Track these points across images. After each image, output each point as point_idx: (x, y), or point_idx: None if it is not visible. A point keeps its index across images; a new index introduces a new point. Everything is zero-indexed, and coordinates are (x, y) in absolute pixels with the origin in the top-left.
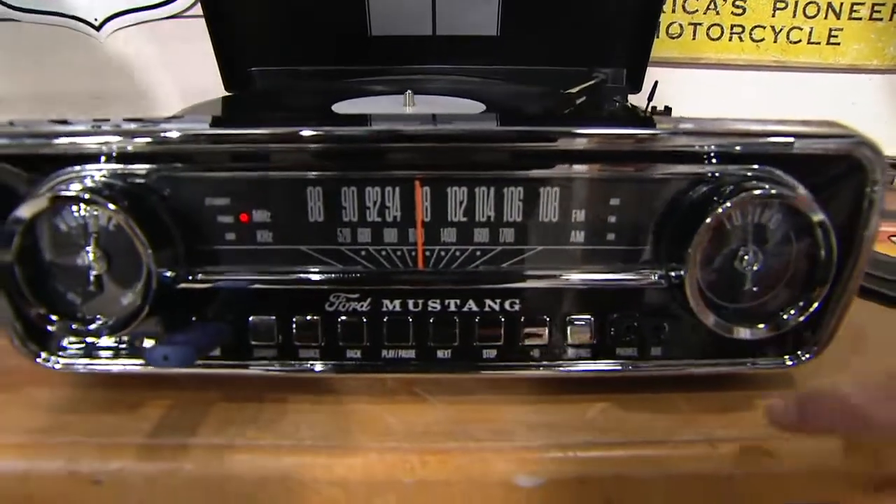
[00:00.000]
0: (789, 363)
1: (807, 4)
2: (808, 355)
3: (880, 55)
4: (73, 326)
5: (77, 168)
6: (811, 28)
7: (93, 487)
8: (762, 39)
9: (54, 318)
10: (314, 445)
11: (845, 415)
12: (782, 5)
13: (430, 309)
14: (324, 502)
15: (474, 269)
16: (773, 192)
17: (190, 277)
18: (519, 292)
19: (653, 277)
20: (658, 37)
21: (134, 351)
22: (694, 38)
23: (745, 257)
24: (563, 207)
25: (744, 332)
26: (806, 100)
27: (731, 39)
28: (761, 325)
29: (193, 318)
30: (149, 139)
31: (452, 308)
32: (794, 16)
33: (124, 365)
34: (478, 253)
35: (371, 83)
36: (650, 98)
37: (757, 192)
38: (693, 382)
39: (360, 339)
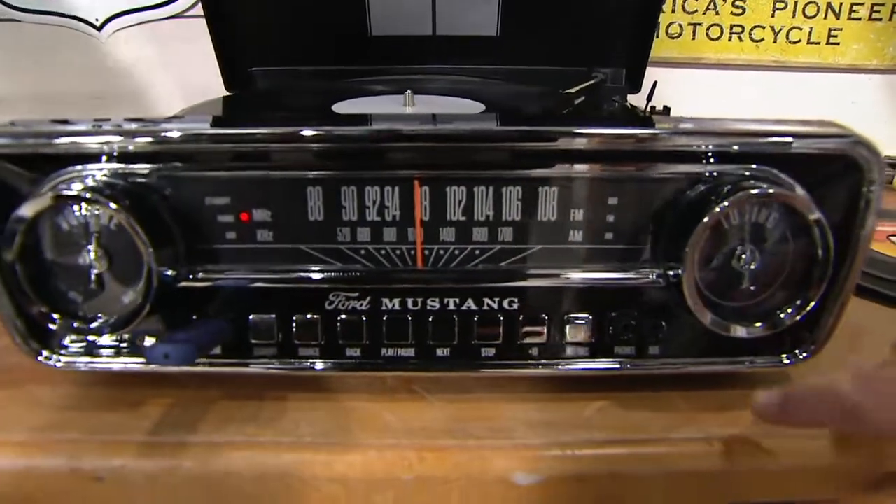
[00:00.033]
0: (787, 362)
1: (806, 4)
2: (805, 354)
3: (880, 55)
4: (75, 325)
5: (78, 167)
6: (811, 28)
7: (94, 484)
8: (762, 39)
9: (56, 316)
10: (314, 443)
11: (831, 408)
12: (782, 5)
13: (429, 307)
14: (323, 499)
15: (473, 267)
16: (770, 191)
17: (190, 276)
18: (518, 291)
19: (651, 276)
20: (658, 37)
21: (135, 349)
22: (693, 38)
23: (743, 256)
24: (562, 207)
25: (741, 331)
26: (805, 100)
27: (730, 39)
28: (758, 324)
29: (194, 317)
30: (150, 139)
31: (451, 307)
32: (794, 16)
33: (125, 363)
34: (477, 252)
35: (371, 83)
36: (649, 98)
37: (754, 191)
38: (691, 381)
39: (359, 338)
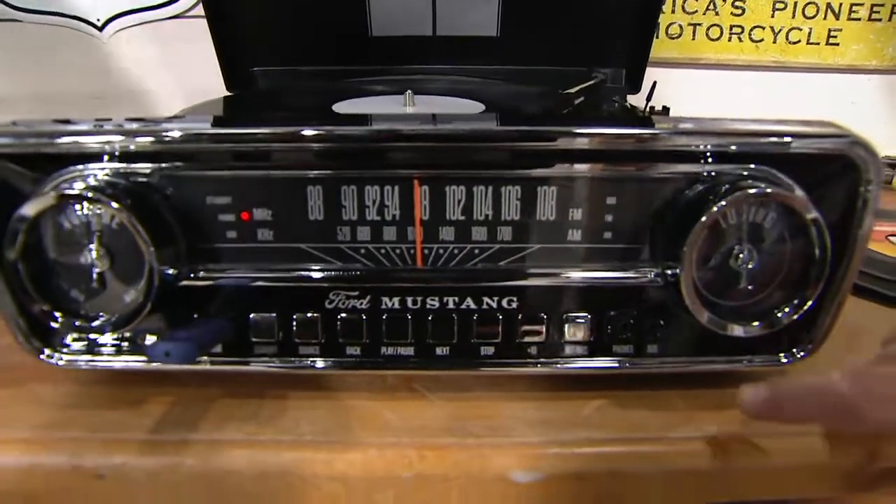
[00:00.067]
0: (784, 361)
1: (806, 5)
2: (803, 353)
3: (879, 55)
4: (77, 323)
5: (80, 167)
6: (810, 29)
7: (96, 482)
8: (761, 40)
9: (58, 315)
10: (314, 441)
11: (824, 405)
12: (781, 6)
13: (428, 306)
14: (324, 497)
15: (472, 266)
16: (768, 191)
17: (192, 275)
18: (517, 290)
19: (649, 276)
20: (657, 37)
21: (136, 348)
22: (693, 39)
23: (741, 256)
24: (561, 206)
25: (738, 330)
26: (805, 100)
27: (730, 40)
28: (756, 323)
29: (195, 316)
30: (151, 139)
31: (451, 305)
32: (794, 16)
33: (126, 361)
34: (476, 251)
35: (371, 83)
36: (648, 98)
37: (752, 191)
38: (689, 380)
39: (359, 336)
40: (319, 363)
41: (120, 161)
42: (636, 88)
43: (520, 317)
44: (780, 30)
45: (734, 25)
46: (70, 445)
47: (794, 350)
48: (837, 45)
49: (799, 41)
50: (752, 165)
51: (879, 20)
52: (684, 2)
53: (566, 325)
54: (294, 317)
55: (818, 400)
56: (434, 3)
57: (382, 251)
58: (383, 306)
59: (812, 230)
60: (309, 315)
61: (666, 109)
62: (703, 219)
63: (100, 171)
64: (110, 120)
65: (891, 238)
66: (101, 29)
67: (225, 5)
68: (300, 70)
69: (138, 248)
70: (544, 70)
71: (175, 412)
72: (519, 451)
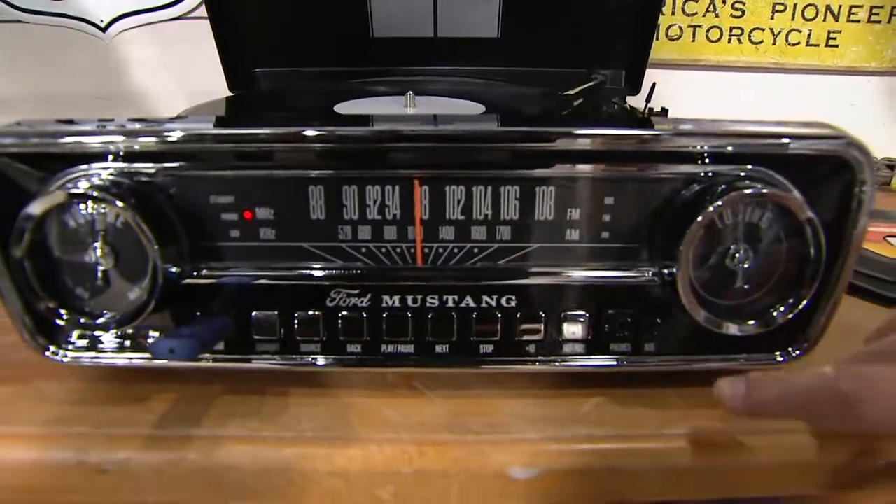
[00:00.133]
0: (780, 360)
1: (805, 7)
2: (798, 352)
3: (878, 57)
4: (82, 321)
5: (84, 167)
6: (810, 30)
7: (100, 476)
8: (761, 41)
9: (63, 312)
10: (315, 437)
11: (813, 402)
12: (781, 8)
13: (428, 305)
14: (324, 492)
15: (472, 265)
16: (764, 191)
17: (195, 273)
18: (515, 289)
19: (647, 275)
20: (657, 39)
21: (140, 345)
22: (693, 40)
23: (737, 255)
24: (559, 206)
25: (734, 329)
26: (804, 101)
27: (730, 41)
28: (751, 322)
29: (198, 313)
30: (154, 139)
31: (450, 304)
32: (793, 18)
33: (130, 358)
34: (475, 250)
35: (373, 84)
36: (648, 99)
37: (747, 191)
38: (686, 378)
39: (360, 334)
40: (320, 360)
41: (124, 161)
42: (636, 90)
43: (518, 315)
44: (780, 31)
45: (734, 27)
46: (75, 441)
47: (790, 349)
48: (837, 46)
49: (798, 43)
50: (749, 166)
51: (879, 22)
52: (684, 3)
53: (564, 324)
54: (295, 315)
55: (810, 397)
56: (435, 4)
57: (383, 250)
58: (384, 304)
59: (807, 230)
60: (310, 313)
61: (664, 111)
62: (700, 218)
63: (104, 171)
64: (113, 120)
65: (888, 239)
66: (104, 30)
67: (227, 7)
68: (302, 71)
69: (142, 246)
70: (544, 71)
71: (178, 408)
72: (518, 448)
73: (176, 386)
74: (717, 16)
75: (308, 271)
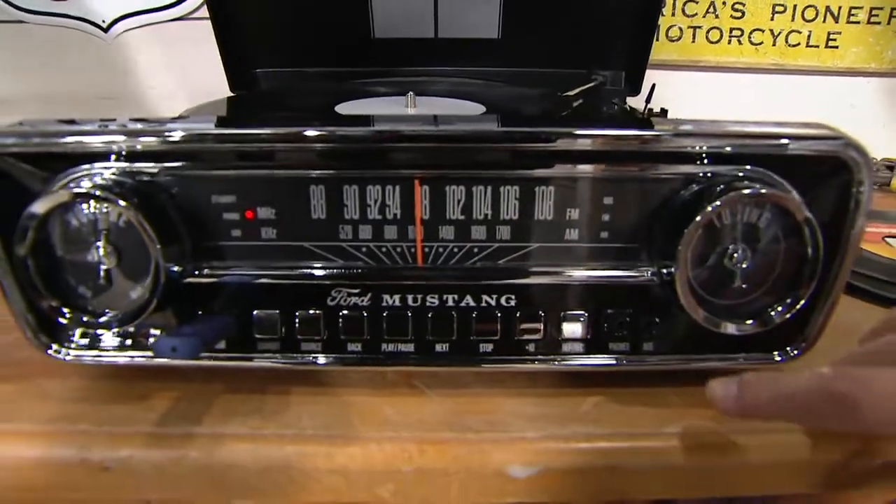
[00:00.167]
0: (778, 359)
1: (805, 8)
2: (796, 351)
3: (878, 58)
4: (84, 319)
5: (87, 166)
6: (810, 31)
7: (103, 474)
8: (761, 43)
9: (66, 310)
10: (316, 435)
11: (789, 402)
12: (781, 9)
13: (428, 304)
14: (325, 490)
15: (472, 265)
16: (762, 191)
17: (196, 272)
18: (515, 288)
19: (645, 274)
20: (657, 40)
21: (142, 343)
22: (693, 42)
23: (735, 255)
24: (559, 206)
25: (732, 328)
26: (804, 102)
27: (730, 43)
28: (749, 322)
29: (200, 312)
30: (155, 139)
31: (450, 303)
32: (793, 19)
33: (132, 357)
34: (475, 250)
35: (374, 84)
36: (647, 100)
37: (746, 191)
38: (684, 377)
39: (360, 333)
40: (321, 359)
41: (126, 160)
42: (636, 91)
43: (518, 314)
44: (780, 33)
45: (734, 28)
46: (77, 439)
47: (788, 348)
48: (837, 48)
49: (798, 44)
50: (748, 166)
51: (878, 23)
52: (684, 4)
53: (564, 323)
54: (296, 314)
55: (804, 398)
56: (436, 5)
57: (383, 249)
58: (384, 304)
59: (805, 230)
60: (311, 312)
61: (664, 111)
62: (698, 218)
63: (107, 171)
64: (115, 120)
65: (887, 239)
66: (106, 30)
67: (229, 7)
68: (303, 71)
69: (144, 245)
70: (545, 72)
71: (180, 407)
72: (518, 447)
73: (178, 384)
74: (717, 17)
75: (309, 270)
